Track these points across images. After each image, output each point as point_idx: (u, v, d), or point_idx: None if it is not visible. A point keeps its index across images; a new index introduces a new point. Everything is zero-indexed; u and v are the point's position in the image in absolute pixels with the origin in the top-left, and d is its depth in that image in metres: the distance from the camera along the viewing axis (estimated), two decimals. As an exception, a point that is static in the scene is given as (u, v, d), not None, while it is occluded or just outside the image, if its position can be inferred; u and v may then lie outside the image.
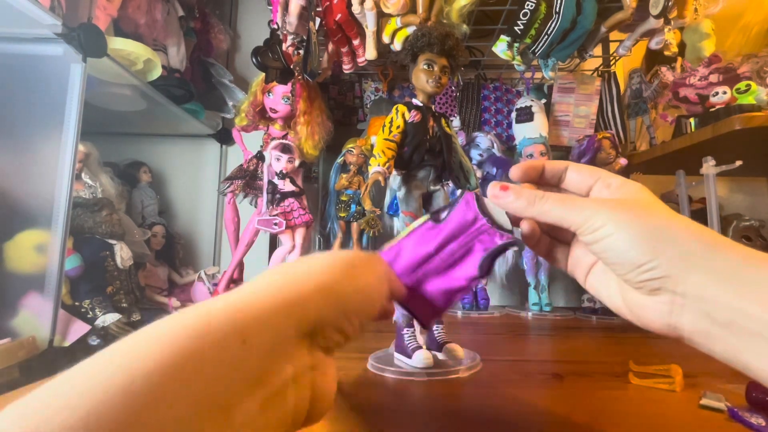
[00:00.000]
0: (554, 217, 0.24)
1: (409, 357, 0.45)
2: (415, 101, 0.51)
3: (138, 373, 0.12)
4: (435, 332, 0.50)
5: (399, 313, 0.48)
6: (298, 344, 0.17)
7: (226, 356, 0.14)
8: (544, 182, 0.27)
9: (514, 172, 0.27)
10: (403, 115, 0.49)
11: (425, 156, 0.49)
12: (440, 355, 0.48)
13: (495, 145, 0.98)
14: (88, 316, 0.66)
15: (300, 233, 0.83)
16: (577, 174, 0.26)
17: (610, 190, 0.25)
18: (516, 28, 0.77)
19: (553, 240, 0.29)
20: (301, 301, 0.18)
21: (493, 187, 0.26)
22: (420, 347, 0.46)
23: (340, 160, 0.95)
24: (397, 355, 0.48)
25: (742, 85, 0.76)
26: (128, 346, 0.14)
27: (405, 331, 0.48)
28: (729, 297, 0.19)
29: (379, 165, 0.47)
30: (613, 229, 0.22)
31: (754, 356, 0.18)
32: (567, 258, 0.28)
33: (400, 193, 0.50)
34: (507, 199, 0.25)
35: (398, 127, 0.49)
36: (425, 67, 0.49)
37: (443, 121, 0.51)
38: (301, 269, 0.21)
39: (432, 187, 0.51)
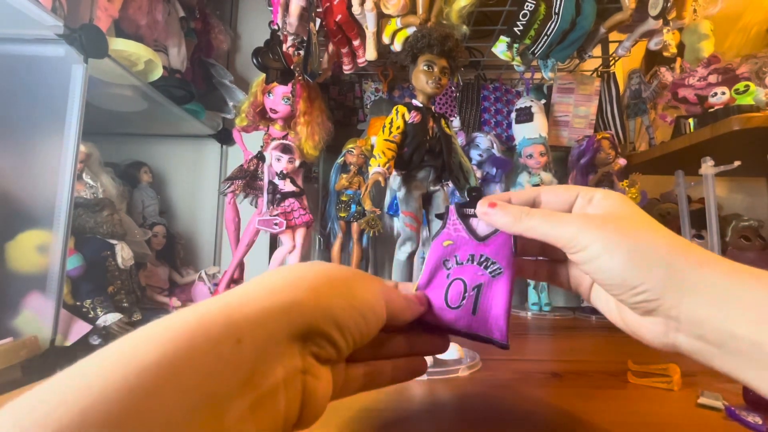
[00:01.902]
0: (540, 234, 0.23)
1: (409, 356, 0.46)
2: (415, 102, 0.51)
3: (132, 369, 0.13)
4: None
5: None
6: (289, 347, 0.17)
7: (220, 354, 0.14)
8: None
9: (480, 208, 0.26)
10: (403, 115, 0.50)
11: (425, 156, 0.49)
12: (439, 355, 0.48)
13: (495, 145, 0.99)
14: (90, 315, 0.66)
15: (300, 233, 0.84)
16: (553, 195, 0.26)
17: (593, 204, 0.24)
18: (515, 28, 0.78)
19: (551, 262, 0.28)
20: (295, 305, 0.18)
21: (482, 204, 0.26)
22: (420, 347, 0.46)
23: (340, 160, 0.95)
24: (397, 354, 0.48)
25: (740, 85, 0.76)
26: (124, 345, 0.14)
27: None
28: (718, 319, 0.19)
29: (379, 165, 0.47)
30: (601, 250, 0.21)
31: (751, 375, 0.18)
32: (568, 277, 0.27)
33: (400, 194, 0.51)
34: (494, 216, 0.25)
35: (398, 127, 0.49)
36: (425, 68, 0.49)
37: (443, 121, 0.51)
38: (298, 274, 0.21)
39: (432, 188, 0.51)
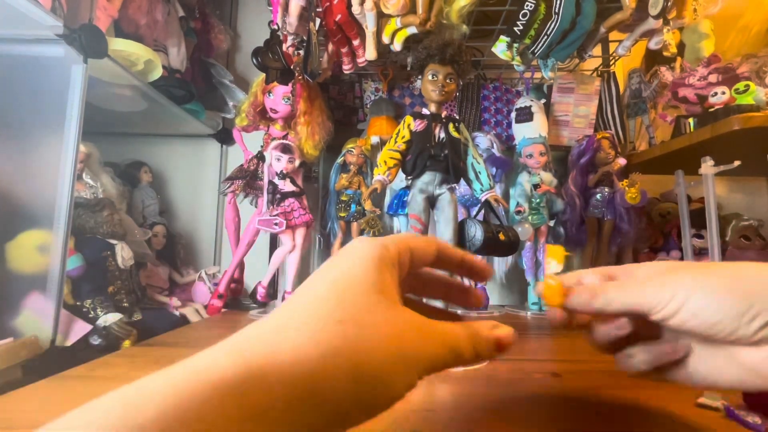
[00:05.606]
0: (621, 305, 0.22)
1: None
2: (424, 110, 0.54)
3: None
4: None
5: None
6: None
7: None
8: None
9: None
10: (408, 126, 0.53)
11: (427, 162, 0.52)
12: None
13: (495, 145, 0.98)
14: (90, 315, 0.66)
15: (300, 233, 0.84)
16: (593, 277, 0.26)
17: (634, 274, 0.24)
18: (515, 28, 0.77)
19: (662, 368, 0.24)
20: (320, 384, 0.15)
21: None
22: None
23: (340, 160, 0.95)
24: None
25: (740, 85, 0.76)
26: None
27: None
28: None
29: (380, 174, 0.51)
30: (689, 293, 0.19)
31: None
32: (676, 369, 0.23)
33: (407, 197, 0.53)
34: (570, 303, 0.24)
35: (403, 137, 0.53)
36: (430, 77, 0.52)
37: (451, 125, 0.53)
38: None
39: (437, 191, 0.52)
